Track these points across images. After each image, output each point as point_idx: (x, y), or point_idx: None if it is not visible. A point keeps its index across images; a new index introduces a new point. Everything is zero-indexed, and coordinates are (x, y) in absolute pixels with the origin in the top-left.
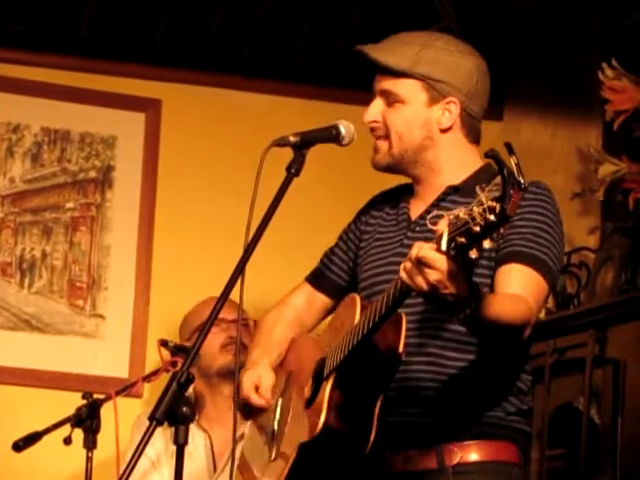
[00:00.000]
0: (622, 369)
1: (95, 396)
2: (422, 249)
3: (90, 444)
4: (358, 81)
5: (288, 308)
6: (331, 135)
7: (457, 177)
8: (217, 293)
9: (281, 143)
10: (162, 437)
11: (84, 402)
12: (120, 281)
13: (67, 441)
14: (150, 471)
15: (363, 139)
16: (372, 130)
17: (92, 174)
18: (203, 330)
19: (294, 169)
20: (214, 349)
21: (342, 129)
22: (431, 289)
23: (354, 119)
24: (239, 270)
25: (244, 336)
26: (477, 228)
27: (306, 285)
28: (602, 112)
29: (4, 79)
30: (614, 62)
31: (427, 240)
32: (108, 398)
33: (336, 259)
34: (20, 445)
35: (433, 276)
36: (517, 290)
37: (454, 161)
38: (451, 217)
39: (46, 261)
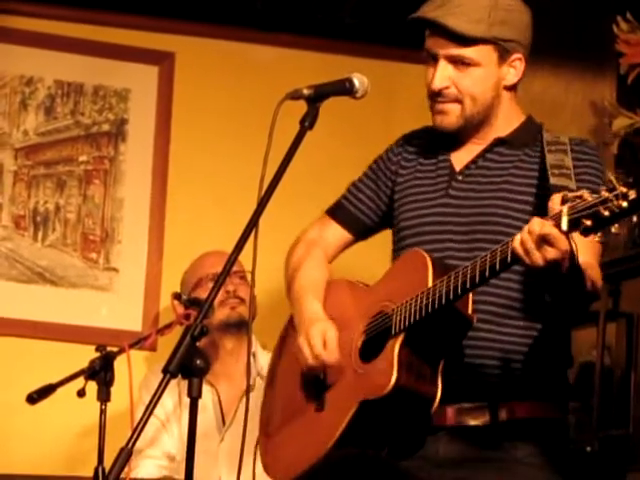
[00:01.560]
0: (635, 322)
1: (109, 349)
2: (545, 226)
3: (104, 396)
4: (371, 34)
5: (316, 247)
6: (345, 88)
7: (505, 129)
8: (230, 246)
9: (295, 96)
10: (170, 396)
11: (98, 355)
12: (133, 234)
13: (81, 393)
14: (160, 431)
15: (376, 92)
16: (438, 95)
17: (105, 127)
18: (217, 283)
19: (308, 122)
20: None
21: (356, 82)
22: (546, 266)
23: (368, 72)
24: (252, 223)
25: (241, 290)
26: (607, 212)
27: (328, 219)
28: (616, 65)
29: (17, 32)
30: (629, 15)
31: (469, 191)
32: (122, 351)
33: (364, 197)
34: (34, 397)
35: (552, 254)
36: (588, 258)
37: (507, 114)
38: (570, 196)
39: (59, 214)
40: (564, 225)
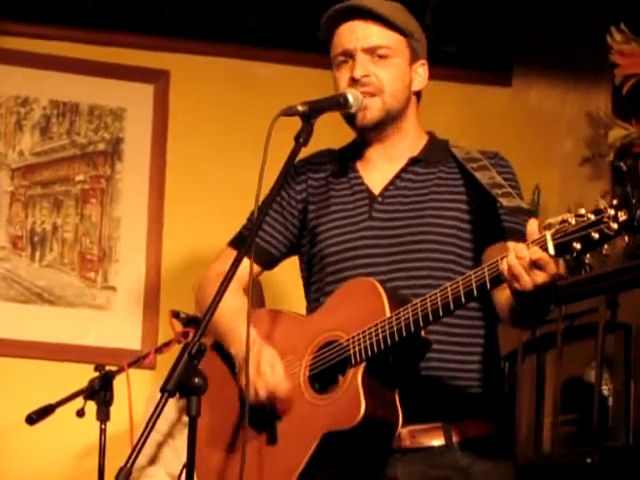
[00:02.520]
0: (634, 334)
1: (107, 368)
2: (536, 251)
3: (103, 416)
4: None
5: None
6: (339, 103)
7: (414, 146)
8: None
9: (289, 113)
10: (175, 409)
11: (97, 374)
12: (131, 253)
13: (80, 413)
14: (162, 446)
15: None
16: (358, 84)
17: (101, 146)
18: (213, 302)
19: (302, 138)
20: None
21: (350, 97)
22: (533, 289)
23: None
24: (250, 240)
25: None
26: (597, 235)
27: (233, 252)
28: (611, 76)
29: (12, 52)
30: (622, 26)
31: (393, 212)
32: (121, 370)
33: (269, 229)
34: (33, 418)
35: (541, 278)
36: None
37: (415, 126)
38: (554, 221)
39: (57, 234)
40: (551, 249)
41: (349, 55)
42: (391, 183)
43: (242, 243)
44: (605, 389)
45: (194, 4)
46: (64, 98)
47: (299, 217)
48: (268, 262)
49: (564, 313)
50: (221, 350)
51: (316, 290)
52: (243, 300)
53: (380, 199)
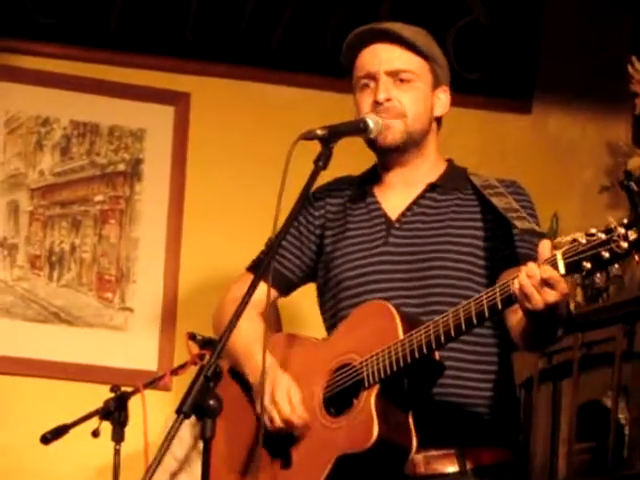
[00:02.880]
0: None
1: (123, 389)
2: (546, 270)
3: (118, 437)
4: None
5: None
6: (359, 128)
7: (433, 172)
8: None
9: (309, 136)
10: (191, 436)
11: (112, 395)
12: (149, 274)
13: (95, 434)
14: (178, 473)
15: None
16: (381, 108)
17: (121, 167)
18: (230, 325)
19: (322, 162)
20: None
21: (370, 122)
22: (545, 309)
23: None
24: (267, 263)
25: None
26: (607, 254)
27: (251, 277)
28: (631, 105)
29: (33, 72)
30: None
31: (410, 238)
32: (136, 391)
33: (288, 254)
34: (48, 437)
35: (552, 297)
36: None
37: (435, 152)
38: (564, 240)
39: (75, 254)
40: (561, 268)
41: (372, 78)
42: (408, 209)
43: (260, 268)
44: (621, 418)
45: (215, 27)
46: (85, 119)
47: (316, 243)
48: (285, 287)
49: (581, 341)
50: (237, 376)
51: (332, 315)
52: (259, 326)
53: (397, 225)
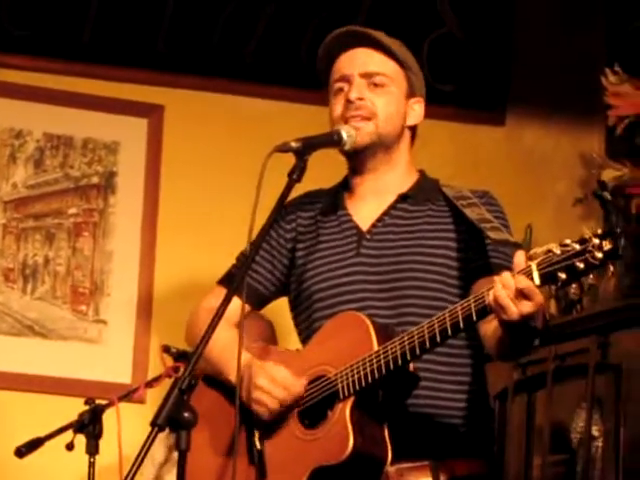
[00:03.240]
0: (624, 375)
1: (97, 402)
2: (522, 281)
3: (92, 450)
4: None
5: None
6: (333, 140)
7: (403, 182)
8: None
9: (283, 149)
10: (162, 449)
11: (86, 408)
12: (123, 286)
13: (69, 447)
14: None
15: None
16: (352, 107)
17: (95, 180)
18: (204, 337)
19: (296, 175)
20: None
21: (344, 134)
22: (520, 319)
23: None
24: (241, 276)
25: None
26: (582, 265)
27: (222, 291)
28: (605, 117)
29: (7, 85)
30: (617, 67)
31: (381, 249)
32: (110, 404)
33: (259, 268)
34: (22, 451)
35: (528, 308)
36: None
37: (405, 163)
38: (539, 251)
39: (49, 267)
40: (536, 279)
41: (346, 80)
42: (379, 220)
43: (232, 281)
44: (595, 430)
45: (188, 39)
46: (58, 131)
47: (287, 256)
48: (257, 301)
49: (555, 353)
50: (214, 382)
51: (306, 328)
52: (234, 335)
53: (368, 236)
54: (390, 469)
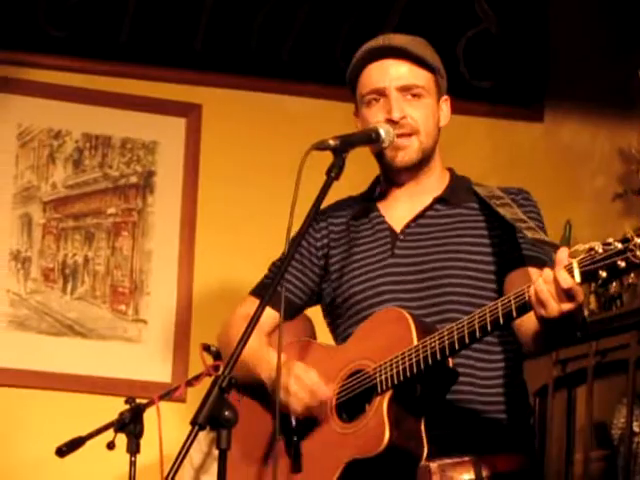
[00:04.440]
0: None
1: (138, 401)
2: (564, 277)
3: (133, 449)
4: None
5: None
6: (371, 138)
7: (438, 184)
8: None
9: (321, 147)
10: (206, 440)
11: (127, 407)
12: (162, 286)
13: (110, 446)
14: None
15: None
16: (396, 126)
17: (133, 179)
18: (244, 336)
19: (334, 173)
20: None
21: (382, 132)
22: (559, 316)
23: None
24: (280, 276)
25: None
26: (623, 264)
27: (255, 301)
28: None
29: (45, 85)
30: None
31: (416, 249)
32: (151, 403)
33: (291, 277)
34: (63, 450)
35: (568, 306)
36: None
37: (439, 164)
38: (581, 249)
39: (88, 266)
40: (577, 277)
41: (381, 94)
42: (413, 220)
43: (264, 291)
44: (636, 425)
45: (226, 38)
46: (97, 131)
47: (319, 265)
48: (289, 311)
49: (595, 349)
50: (246, 389)
51: (344, 331)
52: (266, 342)
53: (402, 236)
54: (432, 465)
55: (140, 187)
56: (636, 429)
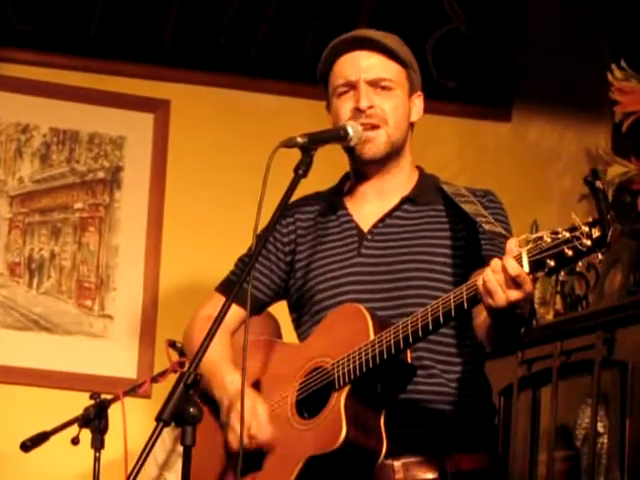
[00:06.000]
0: (630, 371)
1: (103, 396)
2: (512, 266)
3: (98, 444)
4: None
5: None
6: (339, 136)
7: (406, 183)
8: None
9: (289, 144)
10: (170, 438)
11: (92, 402)
12: (128, 281)
13: (75, 441)
14: (160, 476)
15: None
16: (363, 115)
17: (101, 174)
18: (210, 332)
19: (301, 170)
20: None
21: (350, 130)
22: (508, 306)
23: None
24: (246, 271)
25: None
26: (570, 252)
27: (221, 297)
28: (611, 113)
29: (13, 79)
30: (623, 63)
31: (383, 249)
32: (116, 398)
33: (257, 274)
34: (28, 445)
35: (516, 295)
36: None
37: (409, 162)
38: (530, 238)
39: (54, 261)
40: (526, 266)
41: (351, 86)
42: (381, 220)
43: (230, 288)
44: (600, 426)
45: (195, 34)
46: (64, 126)
47: (285, 261)
48: (255, 307)
49: (560, 349)
50: (203, 395)
51: (307, 328)
52: (228, 346)
53: (369, 236)
54: (396, 463)
55: (107, 182)
56: (600, 430)
